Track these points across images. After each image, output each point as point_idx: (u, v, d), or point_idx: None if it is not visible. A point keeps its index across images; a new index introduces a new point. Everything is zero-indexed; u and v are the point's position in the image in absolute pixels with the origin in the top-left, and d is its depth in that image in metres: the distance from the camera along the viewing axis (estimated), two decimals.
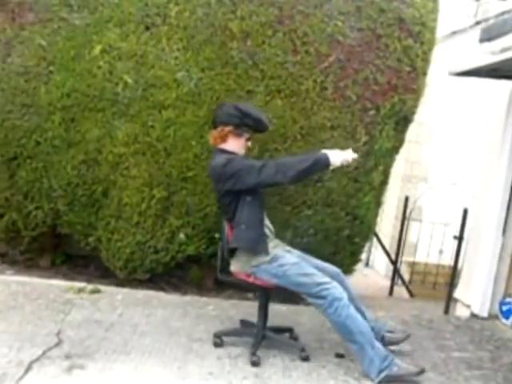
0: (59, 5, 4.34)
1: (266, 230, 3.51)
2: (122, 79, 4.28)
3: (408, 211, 7.52)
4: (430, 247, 8.07)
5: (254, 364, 3.36)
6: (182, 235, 4.42)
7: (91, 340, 3.47)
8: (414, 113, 4.57)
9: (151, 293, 4.53)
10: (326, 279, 3.33)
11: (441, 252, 8.01)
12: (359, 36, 4.35)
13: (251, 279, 3.47)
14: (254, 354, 3.42)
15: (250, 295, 4.76)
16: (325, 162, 3.26)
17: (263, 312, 3.62)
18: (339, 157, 3.28)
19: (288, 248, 3.63)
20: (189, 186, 4.35)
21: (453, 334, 4.38)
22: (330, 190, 4.40)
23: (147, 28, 4.32)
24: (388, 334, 3.64)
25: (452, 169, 8.76)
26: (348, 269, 4.73)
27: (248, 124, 3.43)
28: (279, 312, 4.30)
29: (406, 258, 8.11)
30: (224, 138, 3.45)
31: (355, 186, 4.45)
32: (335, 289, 3.30)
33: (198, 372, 3.21)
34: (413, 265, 8.23)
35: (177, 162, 4.29)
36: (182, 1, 4.30)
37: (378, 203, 4.76)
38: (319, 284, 3.30)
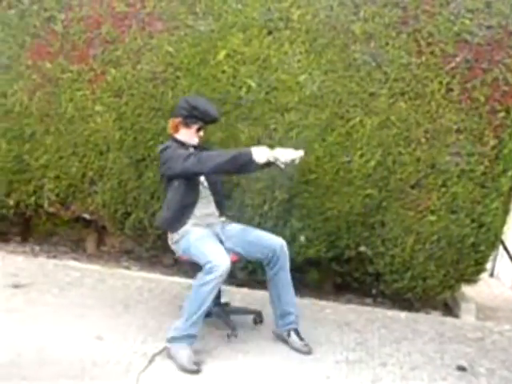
0: (185, 13, 4.51)
1: (193, 218, 3.56)
2: (245, 83, 4.37)
3: None
4: None
5: None
6: (302, 238, 4.42)
7: (210, 336, 3.56)
8: None
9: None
10: (214, 256, 3.27)
11: None
12: (488, 34, 4.16)
13: (179, 255, 3.66)
14: None
15: (369, 301, 4.71)
16: (246, 157, 3.25)
17: None
18: (264, 154, 3.25)
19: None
20: (310, 188, 4.35)
21: None
22: (455, 196, 4.24)
23: (270, 32, 4.37)
24: None
25: None
26: (472, 278, 4.53)
27: (196, 116, 3.60)
28: (398, 319, 4.21)
29: None
30: (176, 129, 3.69)
31: (482, 192, 4.25)
32: (218, 264, 3.23)
33: (316, 375, 3.22)
34: None
35: (299, 164, 4.30)
36: (304, 4, 4.33)
37: (506, 210, 4.52)
38: (205, 255, 3.29)
